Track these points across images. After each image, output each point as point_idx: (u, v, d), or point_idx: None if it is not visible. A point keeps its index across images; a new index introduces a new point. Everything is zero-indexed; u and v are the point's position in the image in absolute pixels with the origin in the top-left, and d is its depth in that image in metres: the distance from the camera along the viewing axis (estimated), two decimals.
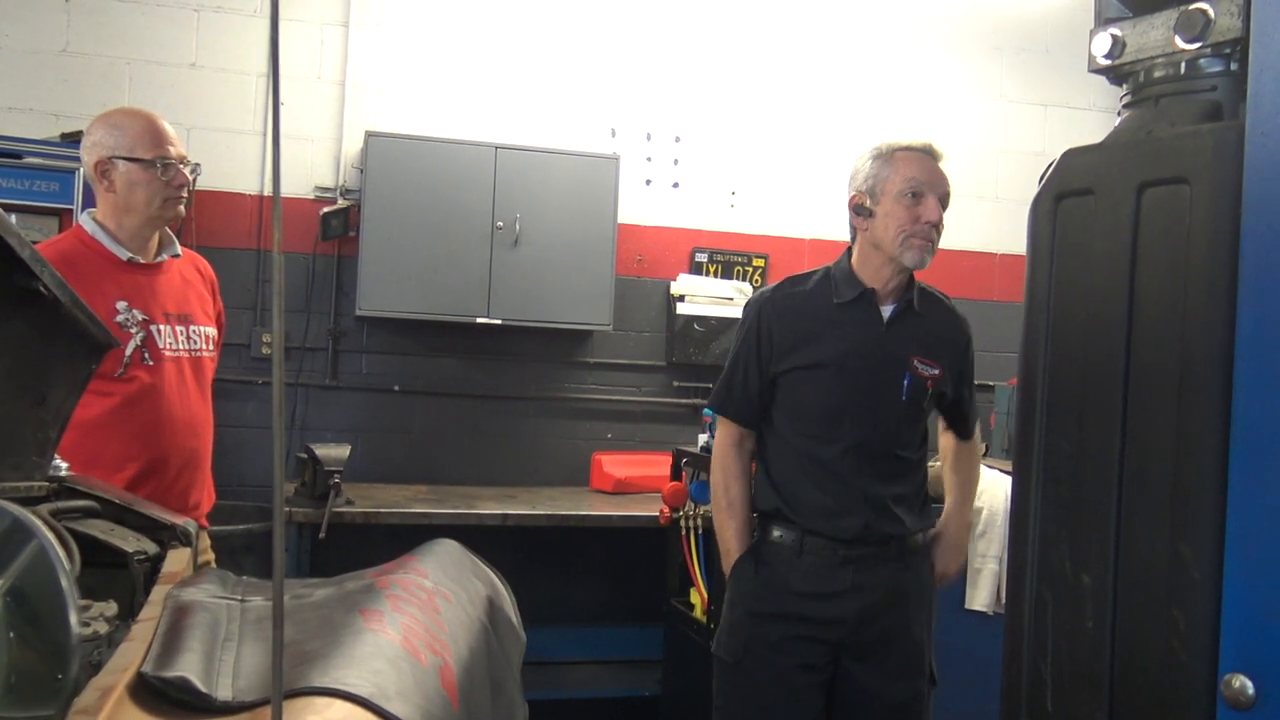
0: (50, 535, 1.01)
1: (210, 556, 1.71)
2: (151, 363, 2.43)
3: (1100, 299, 1.43)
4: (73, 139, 3.60)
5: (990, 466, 3.33)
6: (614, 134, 4.77)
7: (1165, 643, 1.31)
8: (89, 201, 2.72)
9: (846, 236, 2.52)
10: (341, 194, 4.47)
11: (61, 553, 1.00)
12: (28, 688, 0.94)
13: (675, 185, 4.86)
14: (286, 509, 3.70)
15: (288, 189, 4.40)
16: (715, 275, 4.88)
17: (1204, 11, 1.39)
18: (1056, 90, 5.21)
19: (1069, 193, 1.50)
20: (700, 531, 3.51)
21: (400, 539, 1.89)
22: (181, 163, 2.47)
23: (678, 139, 4.85)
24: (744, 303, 4.48)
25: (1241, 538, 1.22)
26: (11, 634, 0.95)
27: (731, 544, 2.47)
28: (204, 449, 2.59)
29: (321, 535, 3.64)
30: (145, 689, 0.97)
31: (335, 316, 4.50)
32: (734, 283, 4.85)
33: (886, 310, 2.42)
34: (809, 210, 4.96)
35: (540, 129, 4.64)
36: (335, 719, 0.93)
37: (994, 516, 3.54)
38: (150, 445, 2.42)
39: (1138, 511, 1.37)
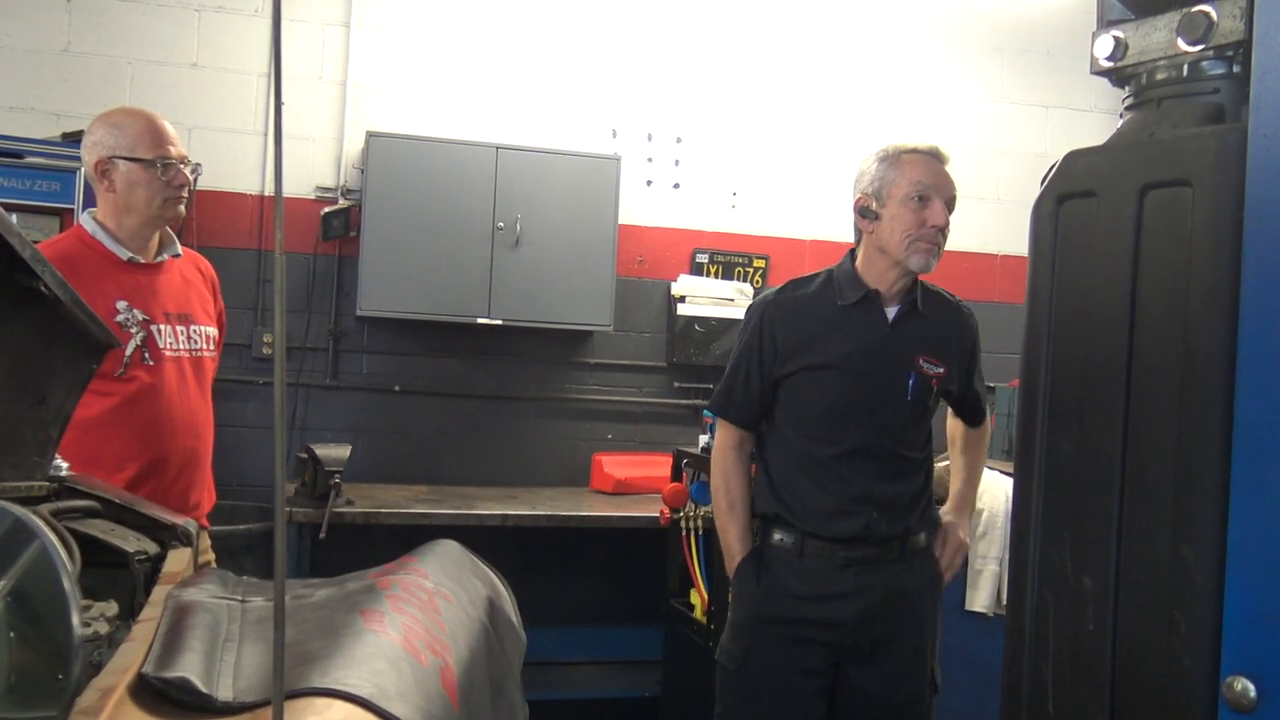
0: (51, 535, 1.01)
1: (210, 557, 1.71)
2: (152, 362, 2.43)
3: (1102, 301, 1.43)
4: (74, 139, 3.60)
5: (991, 468, 3.33)
6: (615, 134, 4.77)
7: (1167, 645, 1.31)
8: (90, 201, 2.72)
9: (848, 238, 2.52)
10: (342, 194, 4.47)
11: (63, 553, 1.00)
12: (29, 688, 0.94)
13: (676, 186, 4.86)
14: (287, 509, 3.69)
15: (289, 189, 4.40)
16: (716, 276, 4.88)
17: (1207, 14, 1.39)
18: (1058, 92, 5.21)
19: (1071, 194, 1.50)
20: (700, 532, 3.50)
21: (400, 539, 1.89)
22: (182, 162, 2.47)
23: (679, 140, 4.85)
24: (745, 304, 4.50)
25: (1243, 540, 1.22)
26: (13, 634, 0.95)
27: (734, 546, 2.46)
28: (204, 449, 2.58)
29: (322, 535, 3.65)
30: (146, 689, 0.97)
31: (336, 316, 4.50)
32: (735, 284, 4.84)
33: (891, 311, 2.41)
34: (810, 211, 4.96)
35: (541, 129, 4.64)
36: (336, 719, 0.93)
37: (995, 518, 3.54)
38: (150, 445, 2.42)
39: (1139, 513, 1.37)
